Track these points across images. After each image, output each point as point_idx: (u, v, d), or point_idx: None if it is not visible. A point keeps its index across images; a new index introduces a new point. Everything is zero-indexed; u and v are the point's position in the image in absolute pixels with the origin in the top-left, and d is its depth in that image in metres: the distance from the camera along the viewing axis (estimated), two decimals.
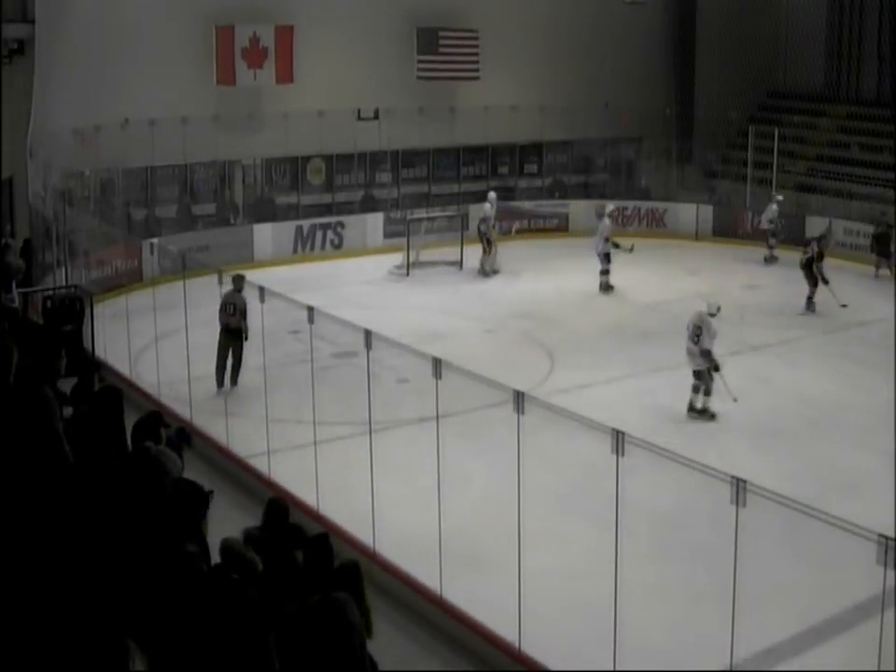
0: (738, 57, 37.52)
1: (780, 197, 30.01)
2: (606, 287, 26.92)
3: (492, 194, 30.30)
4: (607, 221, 27.55)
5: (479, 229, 29.16)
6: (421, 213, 31.48)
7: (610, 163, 37.46)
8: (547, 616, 11.47)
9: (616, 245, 27.27)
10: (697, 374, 18.79)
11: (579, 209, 34.89)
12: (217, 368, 18.99)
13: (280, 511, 9.78)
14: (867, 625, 10.14)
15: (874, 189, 33.27)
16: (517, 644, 10.94)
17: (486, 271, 28.86)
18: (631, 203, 35.11)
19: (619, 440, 9.75)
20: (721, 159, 38.15)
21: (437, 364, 11.86)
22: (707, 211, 34.62)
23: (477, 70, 34.07)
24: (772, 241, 30.85)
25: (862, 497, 15.00)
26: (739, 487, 8.93)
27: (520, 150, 36.37)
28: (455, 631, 11.54)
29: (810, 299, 25.35)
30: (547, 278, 28.42)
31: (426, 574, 12.14)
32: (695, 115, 38.68)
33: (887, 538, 8.09)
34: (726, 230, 34.26)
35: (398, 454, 15.17)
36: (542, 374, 20.59)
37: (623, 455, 9.77)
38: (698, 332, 18.66)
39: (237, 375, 19.02)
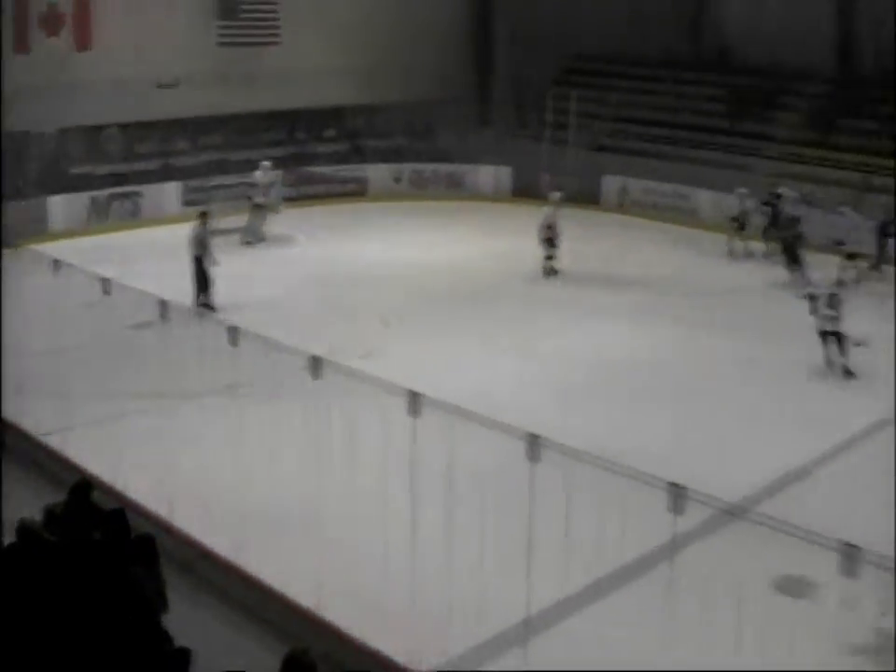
0: (538, 19, 37.79)
1: (743, 190, 29.12)
2: (549, 272, 26.20)
3: (265, 163, 29.89)
4: (549, 209, 26.70)
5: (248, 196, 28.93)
6: (220, 180, 31.07)
7: (410, 126, 37.48)
8: (346, 579, 11.51)
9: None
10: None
11: (377, 173, 34.88)
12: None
13: (84, 491, 9.63)
14: (659, 570, 10.40)
15: (671, 149, 33.98)
16: (318, 611, 10.94)
17: (249, 239, 28.66)
18: (430, 166, 35.24)
19: (415, 400, 9.81)
20: (520, 120, 38.44)
21: (233, 332, 11.77)
22: (506, 173, 34.92)
23: (278, 35, 33.72)
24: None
25: (656, 450, 15.41)
26: (533, 443, 9.06)
27: (318, 115, 36.16)
28: (253, 600, 11.48)
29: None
30: (346, 243, 28.37)
31: (223, 545, 12.04)
32: (494, 77, 38.99)
33: (677, 485, 8.31)
34: (525, 191, 34.59)
35: (196, 424, 15.02)
36: (342, 339, 20.57)
37: (419, 415, 9.82)
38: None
39: None
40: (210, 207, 26.61)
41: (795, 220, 27.13)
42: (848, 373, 19.43)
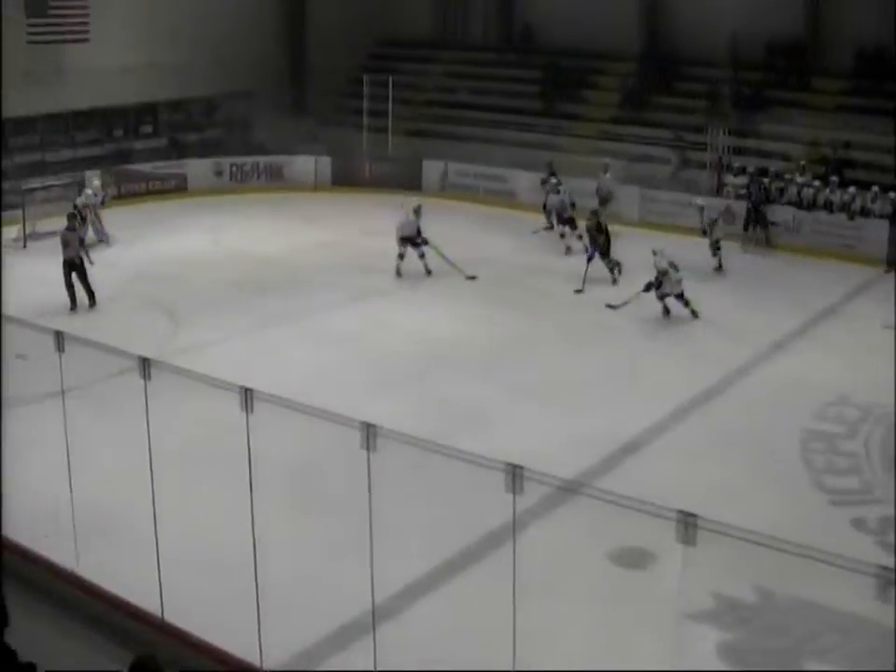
0: (348, 6, 37.80)
1: (700, 201, 27.32)
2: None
3: (96, 182, 29.43)
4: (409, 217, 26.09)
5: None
6: (35, 182, 30.35)
7: (227, 120, 37.16)
8: (188, 582, 11.44)
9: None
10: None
11: (196, 168, 34.47)
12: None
13: None
14: (501, 552, 10.53)
15: (485, 132, 34.30)
16: (160, 614, 10.84)
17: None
18: (249, 159, 34.92)
19: (246, 396, 9.76)
20: (336, 108, 38.41)
21: (58, 337, 11.55)
22: (326, 162, 34.83)
23: (87, 31, 33.02)
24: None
25: (488, 429, 15.63)
26: (370, 432, 9.08)
27: (134, 112, 35.64)
28: (96, 609, 11.32)
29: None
30: (167, 240, 27.99)
31: (59, 554, 11.85)
32: (307, 65, 38.86)
33: (514, 465, 8.40)
34: (344, 179, 34.58)
35: (24, 432, 14.72)
36: (166, 337, 20.37)
37: (252, 411, 9.77)
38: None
39: None
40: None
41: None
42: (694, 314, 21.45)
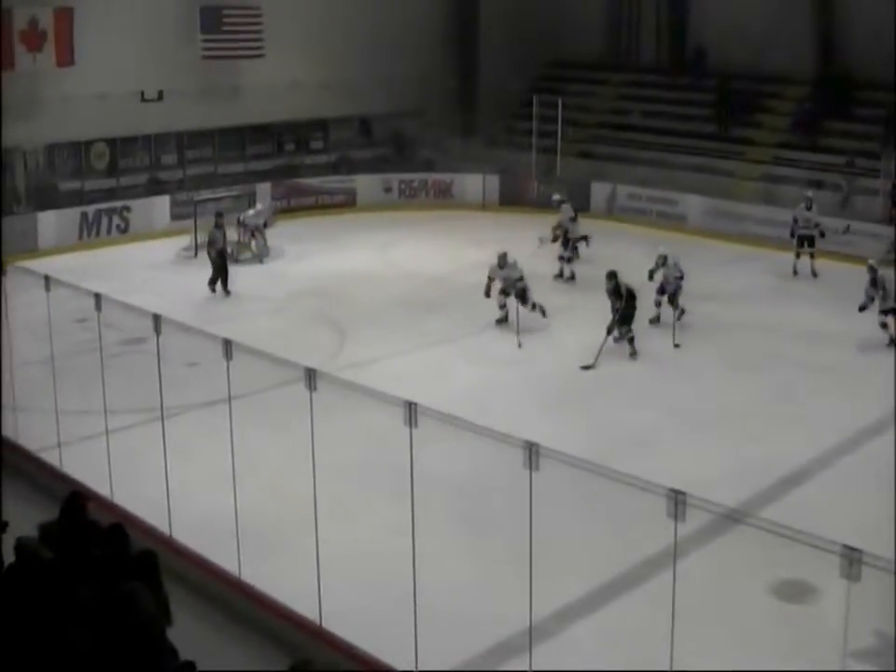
0: (520, 27, 37.87)
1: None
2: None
3: (259, 206, 29.98)
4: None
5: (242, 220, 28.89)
6: (207, 194, 31.05)
7: (394, 137, 37.51)
8: (348, 592, 11.53)
9: None
10: None
11: (365, 184, 34.88)
12: None
13: (77, 505, 9.59)
14: (660, 578, 10.41)
15: (656, 155, 34.05)
16: (319, 622, 10.94)
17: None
18: (417, 176, 35.25)
19: (411, 411, 9.79)
20: (505, 129, 38.53)
21: (227, 345, 11.75)
22: (494, 181, 34.94)
23: (261, 48, 33.66)
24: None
25: (651, 454, 15.45)
26: (532, 451, 9.05)
27: (305, 127, 36.20)
28: (257, 614, 11.49)
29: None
30: (335, 254, 28.36)
31: (224, 558, 12.06)
32: (478, 86, 39.04)
33: (676, 491, 8.30)
34: (512, 198, 34.65)
35: (191, 438, 15.04)
36: (333, 351, 20.59)
37: (416, 426, 9.81)
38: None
39: None
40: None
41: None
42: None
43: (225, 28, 33.10)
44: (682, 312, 22.02)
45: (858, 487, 14.97)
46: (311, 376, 10.79)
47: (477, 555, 13.01)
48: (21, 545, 8.28)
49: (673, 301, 21.89)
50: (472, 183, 35.00)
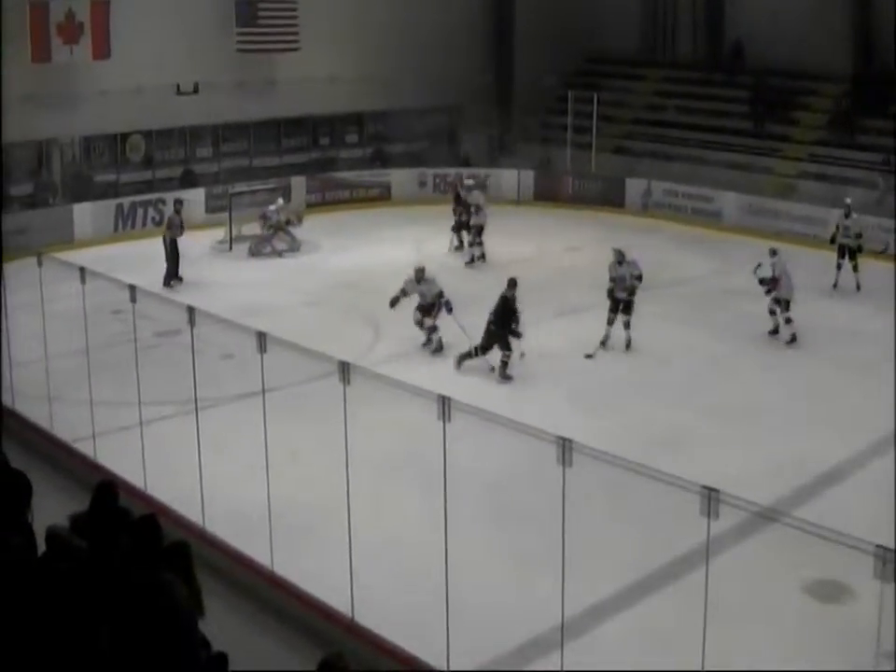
0: (556, 22, 37.79)
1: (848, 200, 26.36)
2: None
3: (280, 201, 29.79)
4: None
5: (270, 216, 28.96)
6: (242, 186, 31.13)
7: (431, 132, 37.51)
8: (379, 585, 11.54)
9: None
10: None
11: (401, 178, 34.92)
12: None
13: (108, 494, 9.59)
14: (693, 576, 10.38)
15: (691, 151, 33.95)
16: (350, 615, 10.96)
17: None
18: (452, 171, 35.25)
19: (445, 405, 9.79)
20: (541, 124, 38.49)
21: (261, 338, 11.78)
22: (529, 176, 34.93)
23: (296, 41, 33.68)
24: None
25: (685, 452, 15.39)
26: (565, 447, 9.03)
27: (341, 121, 36.27)
28: (289, 606, 11.53)
29: None
30: (370, 248, 28.38)
31: (256, 550, 12.10)
32: (514, 81, 39.01)
33: (710, 489, 8.28)
34: (548, 194, 34.61)
35: (224, 430, 15.08)
36: (367, 345, 20.61)
37: (449, 420, 9.81)
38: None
39: None
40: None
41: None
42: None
43: (260, 21, 33.17)
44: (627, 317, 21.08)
45: (892, 487, 14.86)
46: (345, 370, 10.80)
47: (509, 551, 13.00)
48: (52, 534, 8.27)
49: (628, 306, 20.98)
50: (508, 178, 34.99)
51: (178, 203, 26.65)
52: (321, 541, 12.60)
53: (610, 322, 20.98)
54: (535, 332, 20.07)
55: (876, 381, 19.04)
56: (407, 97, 35.52)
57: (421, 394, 10.17)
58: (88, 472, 14.18)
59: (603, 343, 20.73)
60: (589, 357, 20.30)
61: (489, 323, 19.46)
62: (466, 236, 28.25)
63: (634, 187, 33.61)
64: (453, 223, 28.57)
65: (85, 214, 29.63)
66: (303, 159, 34.99)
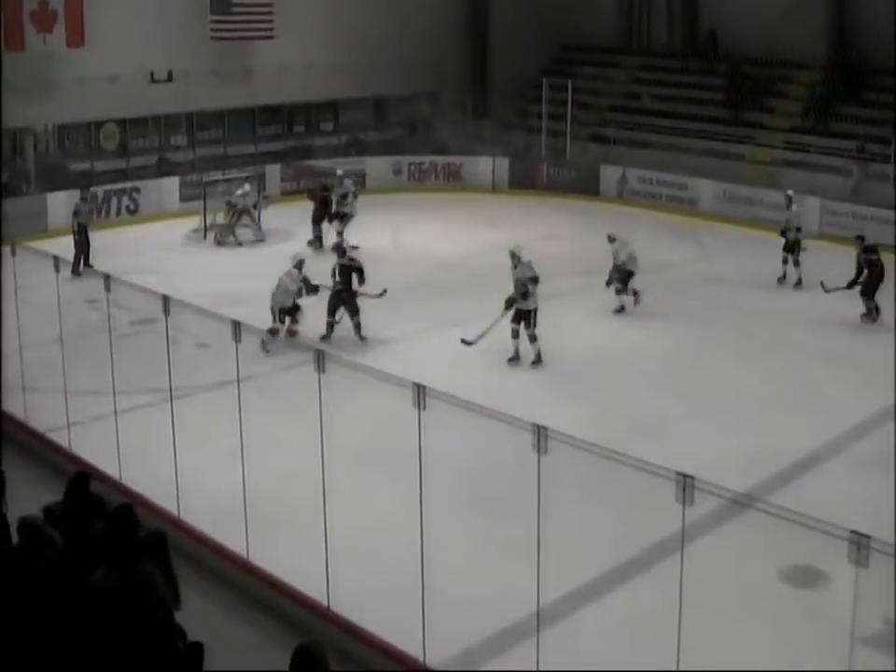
0: (531, 9, 37.80)
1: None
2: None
3: (247, 186, 29.30)
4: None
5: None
6: (217, 175, 31.01)
7: (406, 119, 37.47)
8: (355, 574, 11.50)
9: None
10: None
11: (375, 166, 34.87)
12: None
13: (80, 484, 9.57)
14: (669, 562, 10.39)
15: (666, 138, 33.99)
16: (326, 603, 10.95)
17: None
18: (427, 158, 35.24)
19: (420, 393, 9.78)
20: (516, 112, 38.47)
21: (236, 327, 11.75)
22: (504, 164, 34.90)
23: (271, 29, 33.59)
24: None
25: (661, 439, 15.43)
26: (540, 434, 9.03)
27: (316, 109, 36.19)
28: (265, 595, 11.51)
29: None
30: (345, 236, 28.28)
31: (232, 539, 12.07)
32: (490, 68, 39.01)
33: (685, 475, 8.28)
34: (523, 181, 34.61)
35: (200, 419, 15.06)
36: (344, 333, 20.54)
37: (424, 408, 9.79)
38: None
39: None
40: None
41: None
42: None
43: (235, 9, 33.06)
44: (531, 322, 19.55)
45: (868, 474, 14.94)
46: (320, 358, 10.79)
47: (485, 538, 13.01)
48: (25, 524, 8.25)
49: (528, 316, 19.42)
50: (482, 166, 34.98)
51: (85, 189, 27.30)
52: (297, 529, 12.56)
53: (515, 335, 19.41)
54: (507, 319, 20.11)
55: (851, 369, 19.16)
56: (382, 85, 35.52)
57: (396, 382, 10.15)
58: (63, 462, 14.14)
59: (512, 360, 19.44)
60: (467, 343, 19.24)
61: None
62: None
63: (609, 174, 33.63)
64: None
65: (59, 203, 29.42)
66: (279, 147, 34.90)
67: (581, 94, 35.71)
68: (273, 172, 33.23)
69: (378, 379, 10.54)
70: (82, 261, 24.87)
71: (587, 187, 33.28)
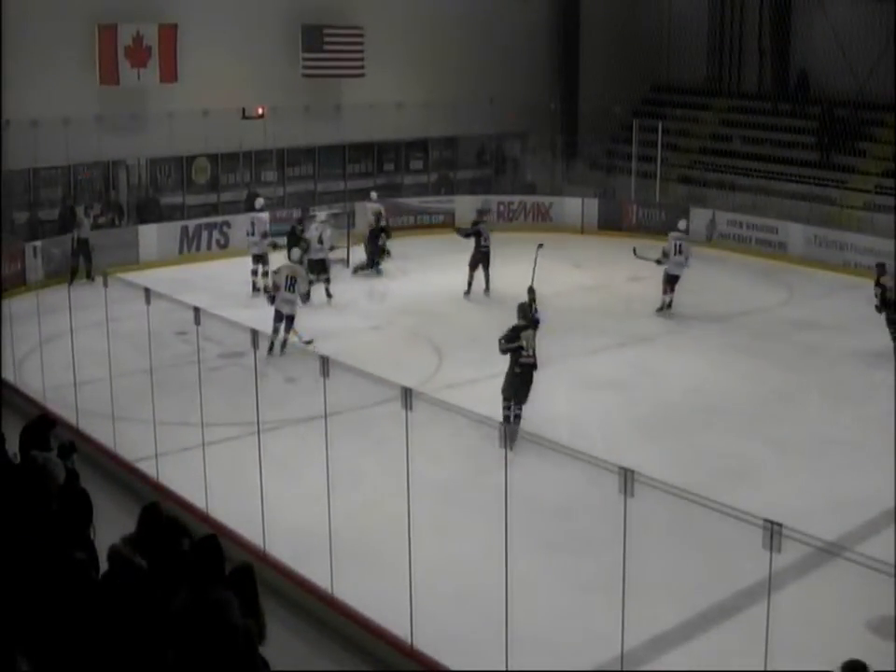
0: (622, 51, 37.95)
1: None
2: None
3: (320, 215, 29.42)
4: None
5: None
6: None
7: (496, 159, 37.60)
8: (439, 611, 11.48)
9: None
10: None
11: (464, 205, 34.96)
12: None
13: (152, 513, 9.59)
14: (754, 610, 10.27)
15: (756, 181, 33.80)
16: (409, 640, 10.93)
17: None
18: (517, 198, 35.33)
19: (506, 433, 9.77)
20: (605, 153, 38.48)
21: (324, 362, 11.80)
22: (593, 204, 34.89)
23: (362, 67, 33.98)
24: None
25: (749, 484, 15.26)
26: (627, 477, 8.97)
27: (406, 147, 36.42)
28: (348, 629, 11.49)
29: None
30: (434, 274, 28.43)
31: (316, 573, 12.08)
32: (580, 109, 39.07)
33: (773, 522, 8.19)
34: (611, 222, 34.56)
35: (286, 453, 15.11)
36: (430, 370, 20.60)
37: (511, 448, 9.78)
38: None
39: None
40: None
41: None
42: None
43: (326, 47, 33.44)
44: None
45: None
46: (407, 395, 10.80)
47: (570, 580, 12.92)
48: (114, 552, 8.31)
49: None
50: (571, 206, 34.97)
51: (89, 207, 28.85)
52: (381, 565, 12.56)
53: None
54: (599, 360, 20.02)
55: None
56: (472, 124, 35.64)
57: (482, 421, 10.15)
58: (150, 492, 14.26)
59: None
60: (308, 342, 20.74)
61: None
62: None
63: (698, 217, 33.46)
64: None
65: (150, 235, 29.89)
66: (368, 184, 35.12)
67: (671, 136, 35.61)
68: (362, 210, 33.46)
69: (466, 418, 10.54)
70: (85, 276, 25.82)
71: (676, 229, 33.09)
